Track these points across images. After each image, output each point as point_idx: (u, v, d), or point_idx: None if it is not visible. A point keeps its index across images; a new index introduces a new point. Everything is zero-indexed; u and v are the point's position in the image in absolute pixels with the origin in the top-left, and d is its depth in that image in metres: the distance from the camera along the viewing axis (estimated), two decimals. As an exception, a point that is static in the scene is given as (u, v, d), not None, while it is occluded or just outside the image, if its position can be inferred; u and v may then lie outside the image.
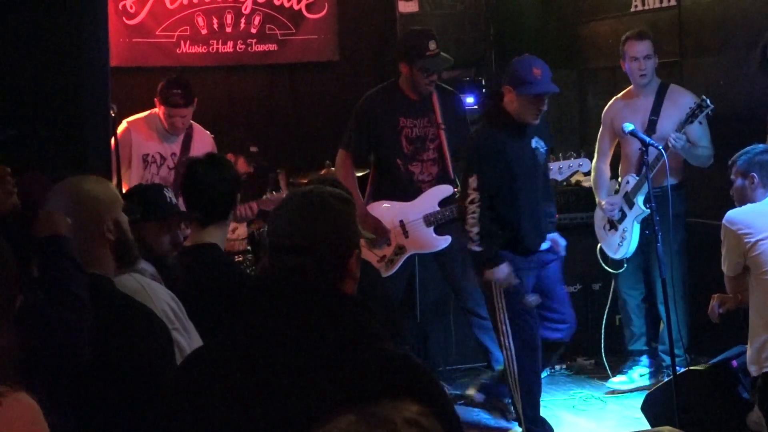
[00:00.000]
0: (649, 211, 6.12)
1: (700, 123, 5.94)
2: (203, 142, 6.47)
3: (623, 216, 6.29)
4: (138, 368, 3.02)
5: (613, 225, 6.38)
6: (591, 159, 6.33)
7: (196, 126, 6.56)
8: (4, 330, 2.37)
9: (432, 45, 6.06)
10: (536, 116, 5.40)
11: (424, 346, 6.70)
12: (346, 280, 2.35)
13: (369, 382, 2.16)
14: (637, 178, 6.18)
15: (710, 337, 6.03)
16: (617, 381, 6.47)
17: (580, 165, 6.11)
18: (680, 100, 6.19)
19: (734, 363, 5.06)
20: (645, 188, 6.05)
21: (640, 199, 6.17)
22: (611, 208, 6.35)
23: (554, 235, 5.69)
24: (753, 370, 4.65)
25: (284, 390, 2.19)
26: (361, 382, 2.16)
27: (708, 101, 5.87)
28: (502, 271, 5.39)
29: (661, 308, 6.32)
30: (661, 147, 5.40)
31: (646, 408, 5.47)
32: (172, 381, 2.41)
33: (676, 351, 5.93)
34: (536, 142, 5.51)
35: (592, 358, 6.86)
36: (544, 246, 5.63)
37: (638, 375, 6.45)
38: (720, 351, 5.33)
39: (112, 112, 5.08)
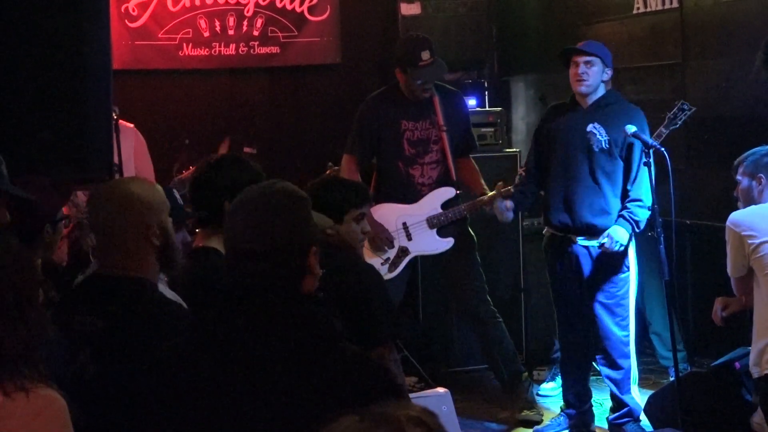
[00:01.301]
0: None
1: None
2: (126, 137, 6.37)
3: None
4: None
5: None
6: None
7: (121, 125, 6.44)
8: (34, 325, 2.36)
9: (425, 55, 6.03)
10: (577, 83, 5.54)
11: (426, 348, 6.70)
12: (306, 277, 2.39)
13: (329, 381, 2.22)
14: None
15: (713, 339, 6.03)
16: (548, 387, 6.58)
17: None
18: None
19: (737, 365, 5.05)
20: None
21: None
22: None
23: (612, 230, 5.48)
24: (755, 372, 4.64)
25: (247, 392, 2.24)
26: (321, 381, 2.21)
27: (688, 105, 5.87)
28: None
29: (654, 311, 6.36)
30: (663, 149, 5.39)
31: (648, 410, 5.46)
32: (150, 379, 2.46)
33: (665, 353, 5.95)
34: (594, 128, 5.52)
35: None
36: (593, 242, 5.56)
37: None
38: (723, 353, 5.33)
39: (114, 115, 5.08)
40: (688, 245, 6.59)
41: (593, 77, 5.51)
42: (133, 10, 7.69)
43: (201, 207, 3.84)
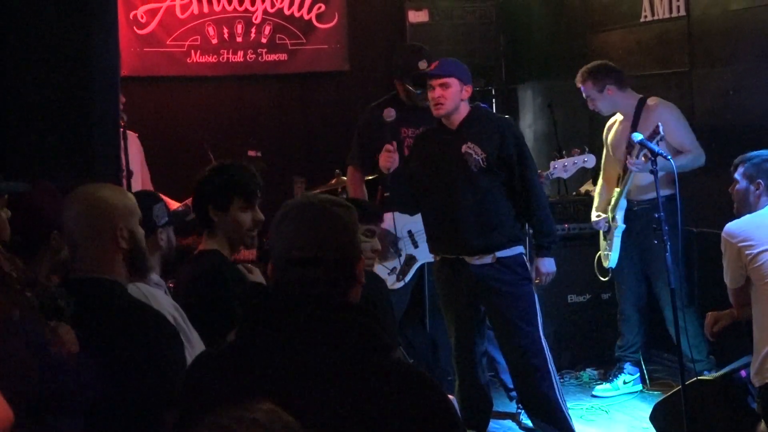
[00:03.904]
0: (624, 226, 6.27)
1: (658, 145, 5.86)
2: (133, 144, 6.39)
3: (609, 229, 6.37)
4: (150, 374, 3.00)
5: (606, 236, 6.49)
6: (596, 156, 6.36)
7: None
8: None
9: (422, 64, 6.06)
10: (435, 107, 5.32)
11: (433, 355, 6.69)
12: (355, 286, 2.38)
13: (376, 393, 2.18)
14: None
15: (720, 347, 6.02)
16: (602, 389, 6.57)
17: (585, 161, 6.10)
18: (650, 118, 6.18)
19: (743, 373, 5.04)
20: (623, 204, 6.30)
21: (619, 216, 6.31)
22: (597, 221, 6.50)
23: (541, 261, 5.45)
24: (756, 381, 4.63)
25: (291, 400, 2.20)
26: (368, 392, 2.18)
27: (661, 128, 5.75)
28: None
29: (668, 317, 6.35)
30: (669, 157, 5.38)
31: (654, 418, 5.45)
32: (181, 384, 2.43)
33: (696, 356, 5.94)
34: (469, 148, 5.30)
35: (601, 367, 6.86)
36: (485, 260, 5.34)
37: (622, 383, 6.54)
38: (730, 361, 5.32)
39: (122, 121, 5.10)
40: (695, 253, 6.58)
41: (450, 99, 5.27)
42: (142, 17, 7.71)
43: (195, 211, 3.93)
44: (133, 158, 6.39)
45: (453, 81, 5.28)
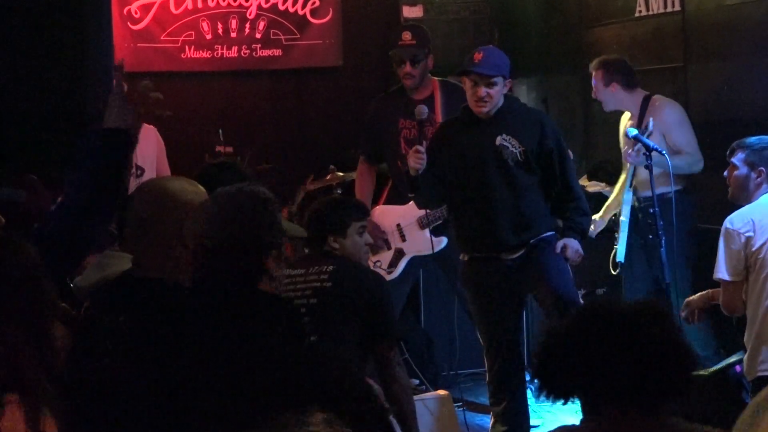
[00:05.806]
0: (627, 220, 6.19)
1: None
2: (148, 138, 6.33)
3: (618, 223, 6.34)
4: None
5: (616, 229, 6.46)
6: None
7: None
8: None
9: (406, 35, 6.09)
10: (476, 104, 5.05)
11: (428, 351, 6.70)
12: (264, 278, 2.52)
13: (281, 377, 2.19)
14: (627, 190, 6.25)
15: (731, 341, 6.03)
16: None
17: None
18: (659, 114, 6.10)
19: (738, 368, 5.04)
20: (627, 198, 6.17)
21: (624, 210, 6.19)
22: (604, 220, 6.43)
23: (568, 240, 5.11)
24: (749, 375, 4.63)
25: (203, 383, 2.31)
26: (273, 376, 2.20)
27: (650, 124, 5.67)
28: None
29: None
30: (664, 152, 5.38)
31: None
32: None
33: (701, 352, 5.93)
34: (504, 140, 5.06)
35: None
36: (518, 253, 5.15)
37: None
38: (726, 355, 5.32)
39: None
40: (690, 250, 6.57)
41: (495, 98, 5.05)
42: (136, 13, 7.69)
43: None
44: (146, 153, 6.31)
45: (499, 79, 5.04)
